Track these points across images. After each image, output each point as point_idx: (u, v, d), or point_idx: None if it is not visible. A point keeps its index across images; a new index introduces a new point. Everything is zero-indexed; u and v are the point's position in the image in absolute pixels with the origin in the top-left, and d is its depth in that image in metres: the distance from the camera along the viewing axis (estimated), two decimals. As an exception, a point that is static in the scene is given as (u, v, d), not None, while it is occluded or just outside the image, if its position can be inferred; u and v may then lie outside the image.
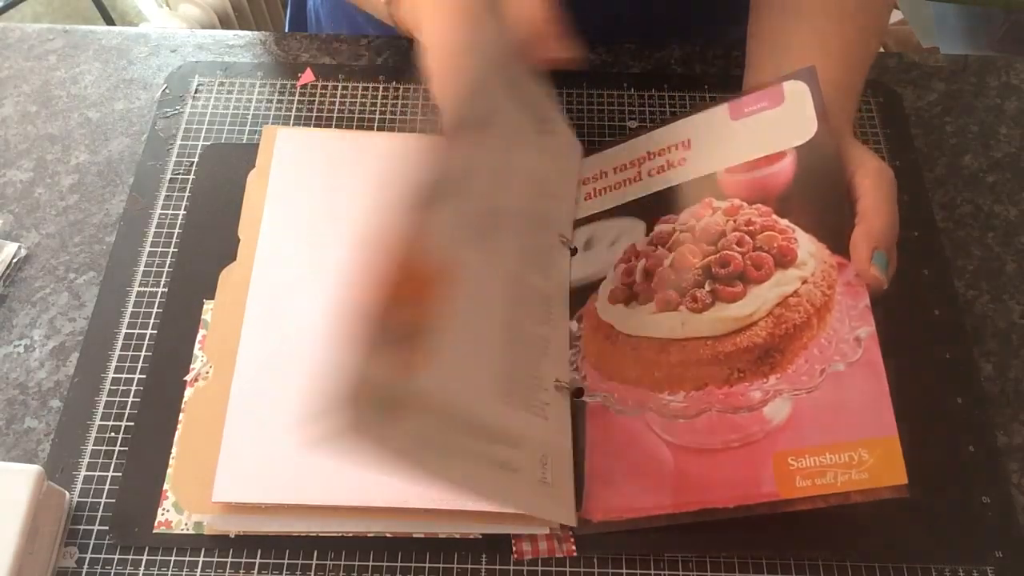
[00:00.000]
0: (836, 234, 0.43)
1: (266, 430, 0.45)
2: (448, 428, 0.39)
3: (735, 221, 0.46)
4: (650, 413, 0.44)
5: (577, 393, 0.47)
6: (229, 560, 0.44)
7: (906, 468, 0.38)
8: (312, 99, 0.60)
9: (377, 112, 0.60)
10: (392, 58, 0.63)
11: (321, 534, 0.44)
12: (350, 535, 0.44)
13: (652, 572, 0.44)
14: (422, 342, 0.38)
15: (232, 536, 0.44)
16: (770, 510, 0.40)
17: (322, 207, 0.52)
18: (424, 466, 0.37)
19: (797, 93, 0.47)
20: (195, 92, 0.60)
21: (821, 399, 0.41)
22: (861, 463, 0.39)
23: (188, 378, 0.48)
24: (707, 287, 0.45)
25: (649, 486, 0.43)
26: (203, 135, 0.58)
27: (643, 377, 0.45)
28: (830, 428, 0.40)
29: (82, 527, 0.45)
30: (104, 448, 0.47)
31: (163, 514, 0.44)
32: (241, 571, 0.44)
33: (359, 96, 0.60)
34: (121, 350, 0.50)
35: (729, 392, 0.43)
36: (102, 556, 0.44)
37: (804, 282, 0.43)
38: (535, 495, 0.42)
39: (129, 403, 0.48)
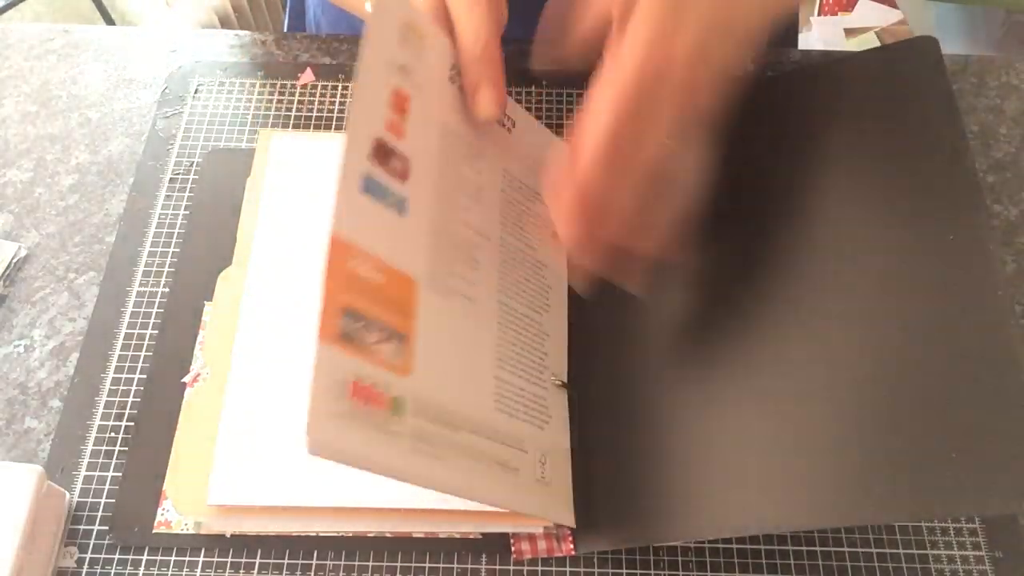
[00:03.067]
0: None
1: (261, 432, 0.45)
2: (445, 428, 0.39)
3: None
4: None
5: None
6: (229, 560, 0.44)
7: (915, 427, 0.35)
8: (312, 99, 0.60)
9: (377, 112, 0.60)
10: (392, 58, 0.63)
11: (321, 534, 0.44)
12: (350, 535, 0.44)
13: (652, 572, 0.44)
14: (406, 347, 0.38)
15: (231, 536, 0.44)
16: None
17: (316, 211, 0.52)
18: (419, 467, 0.37)
19: None
20: (195, 92, 0.60)
21: None
22: None
23: (187, 379, 0.48)
24: None
25: None
26: (203, 135, 0.58)
27: None
28: None
29: (82, 527, 0.45)
30: (104, 448, 0.47)
31: (163, 514, 0.45)
32: (241, 571, 0.44)
33: (359, 96, 0.60)
34: (121, 350, 0.50)
35: None
36: (102, 556, 0.44)
37: None
38: (534, 495, 0.42)
39: (129, 403, 0.48)
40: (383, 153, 0.41)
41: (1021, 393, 0.38)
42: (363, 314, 0.36)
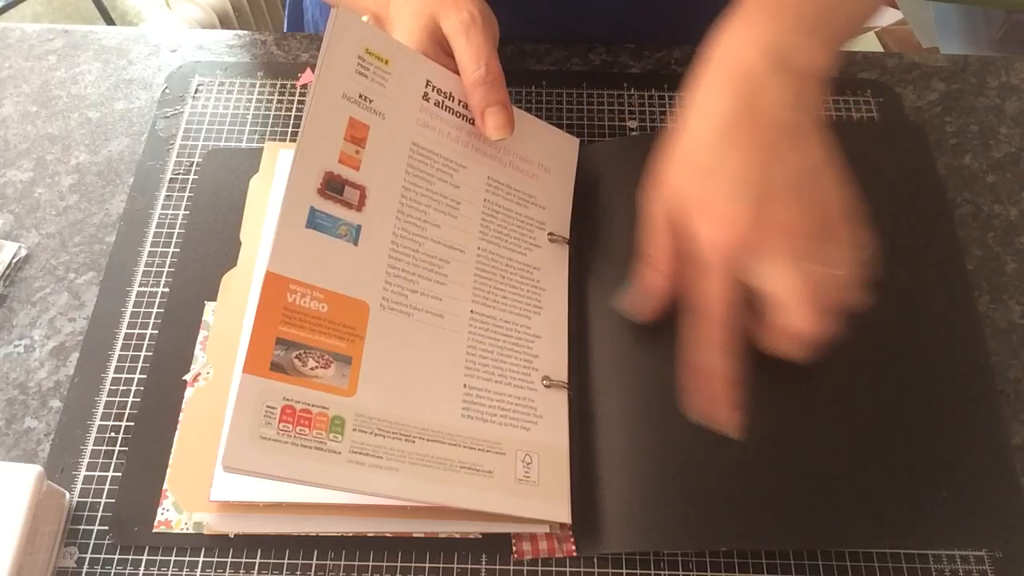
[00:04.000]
0: None
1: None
2: (395, 440, 0.41)
3: None
4: None
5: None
6: (229, 560, 0.44)
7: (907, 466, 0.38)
8: (312, 99, 0.60)
9: (377, 112, 0.60)
10: (392, 58, 0.63)
11: (321, 534, 0.44)
12: (350, 535, 0.44)
13: (652, 572, 0.44)
14: (351, 368, 0.41)
15: (232, 536, 0.44)
16: None
17: None
18: (356, 478, 0.39)
19: None
20: (195, 92, 0.60)
21: None
22: None
23: (188, 378, 0.48)
24: None
25: None
26: (203, 135, 0.58)
27: None
28: None
29: (82, 527, 0.45)
30: (104, 448, 0.47)
31: (163, 514, 0.45)
32: (241, 571, 0.44)
33: (359, 96, 0.60)
34: (121, 350, 0.50)
35: None
36: (102, 556, 0.44)
37: None
38: (515, 494, 0.43)
39: (129, 403, 0.48)
40: (335, 186, 0.42)
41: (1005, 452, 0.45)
42: (300, 343, 0.39)
